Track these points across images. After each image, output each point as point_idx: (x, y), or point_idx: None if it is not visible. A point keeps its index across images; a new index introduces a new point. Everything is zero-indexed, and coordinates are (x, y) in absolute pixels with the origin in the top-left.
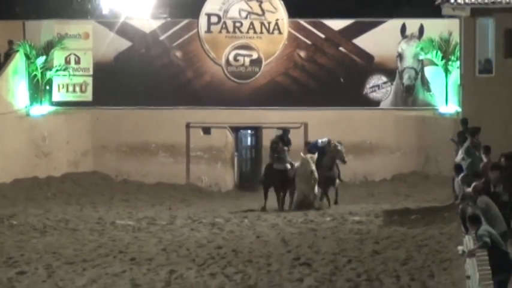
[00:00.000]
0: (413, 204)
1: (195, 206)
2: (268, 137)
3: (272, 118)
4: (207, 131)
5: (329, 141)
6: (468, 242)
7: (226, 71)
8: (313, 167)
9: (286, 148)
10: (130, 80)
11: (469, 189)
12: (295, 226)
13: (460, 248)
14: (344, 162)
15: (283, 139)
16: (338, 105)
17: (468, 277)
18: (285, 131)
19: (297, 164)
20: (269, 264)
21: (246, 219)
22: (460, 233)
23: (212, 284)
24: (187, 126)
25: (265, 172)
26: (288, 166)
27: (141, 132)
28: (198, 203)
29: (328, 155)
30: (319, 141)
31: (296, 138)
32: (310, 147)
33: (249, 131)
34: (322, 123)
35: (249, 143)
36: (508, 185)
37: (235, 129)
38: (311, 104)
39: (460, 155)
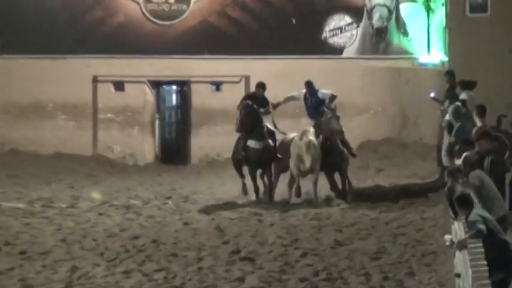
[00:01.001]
0: (386, 180)
1: (104, 183)
2: (199, 94)
3: (204, 70)
4: (119, 86)
5: (332, 97)
6: (458, 230)
7: (144, 10)
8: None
9: (263, 111)
10: (20, 21)
11: (459, 162)
12: (235, 210)
13: (447, 237)
14: (339, 133)
15: (257, 98)
16: (289, 53)
17: (458, 275)
18: (258, 85)
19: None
20: (200, 259)
21: (169, 201)
22: (447, 219)
23: (126, 284)
24: (94, 80)
25: (235, 151)
26: (270, 143)
27: (35, 89)
28: (109, 180)
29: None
30: (323, 91)
31: (233, 96)
32: (311, 93)
33: (174, 87)
34: (268, 77)
35: (174, 102)
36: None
37: (157, 85)
38: (254, 52)
39: (447, 117)
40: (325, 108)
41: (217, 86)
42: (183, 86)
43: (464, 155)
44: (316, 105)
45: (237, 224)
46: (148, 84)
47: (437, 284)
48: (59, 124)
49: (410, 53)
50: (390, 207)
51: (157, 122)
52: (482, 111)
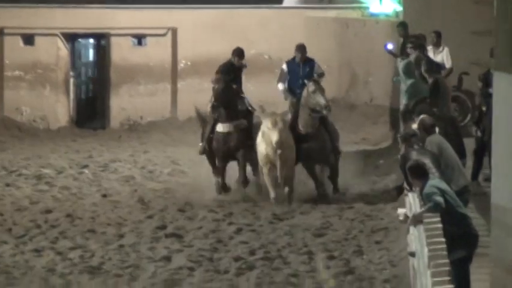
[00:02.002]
0: None
1: (11, 150)
2: (119, 49)
3: (124, 21)
4: (28, 40)
5: (322, 74)
6: (412, 203)
7: None
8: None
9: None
10: None
11: (414, 126)
12: (159, 180)
13: (400, 211)
14: (325, 108)
15: (235, 69)
16: (222, 1)
17: (412, 254)
18: (237, 53)
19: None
20: (121, 236)
21: (86, 170)
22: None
23: (37, 264)
24: (1, 33)
25: (207, 137)
26: (245, 123)
27: None
28: (17, 146)
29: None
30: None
31: (158, 51)
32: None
33: (91, 41)
34: (198, 29)
35: (91, 58)
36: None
37: (71, 38)
38: (182, 1)
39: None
40: (306, 81)
41: (140, 39)
42: (101, 40)
43: (420, 117)
44: (310, 76)
45: (163, 197)
46: (62, 38)
47: (388, 264)
48: None
49: (360, 2)
50: None
51: (71, 81)
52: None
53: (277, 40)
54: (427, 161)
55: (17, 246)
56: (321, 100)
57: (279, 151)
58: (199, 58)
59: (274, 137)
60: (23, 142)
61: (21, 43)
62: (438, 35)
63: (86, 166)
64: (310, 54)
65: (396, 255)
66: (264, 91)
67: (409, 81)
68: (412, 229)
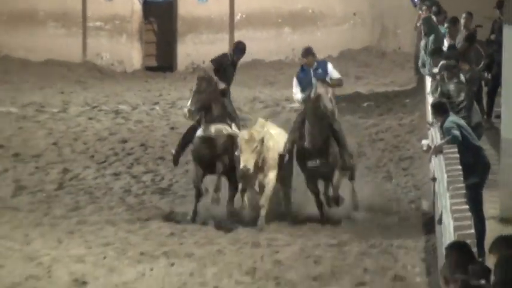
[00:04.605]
0: (365, 88)
1: (93, 89)
2: (185, 4)
3: None
4: None
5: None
6: (434, 135)
7: None
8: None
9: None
10: None
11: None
12: None
13: (424, 143)
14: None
15: (222, 69)
16: None
17: (434, 179)
18: (239, 49)
19: None
20: (186, 163)
21: (157, 107)
22: (424, 125)
23: (116, 185)
24: None
25: (183, 142)
26: (229, 129)
27: None
28: (98, 86)
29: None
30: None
31: (219, 5)
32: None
33: None
34: None
35: (160, 11)
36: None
37: None
38: None
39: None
40: (314, 80)
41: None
42: None
43: (440, 63)
44: (324, 77)
45: None
46: None
47: (413, 188)
48: (50, 32)
49: None
50: (369, 114)
51: (144, 31)
52: (454, 22)
53: None
54: (463, 94)
55: (98, 171)
56: (328, 104)
57: (251, 176)
58: (253, 11)
59: (242, 160)
60: (103, 82)
61: None
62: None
63: (156, 103)
64: (345, 8)
65: (420, 180)
66: (308, 37)
67: (431, 36)
68: (433, 158)
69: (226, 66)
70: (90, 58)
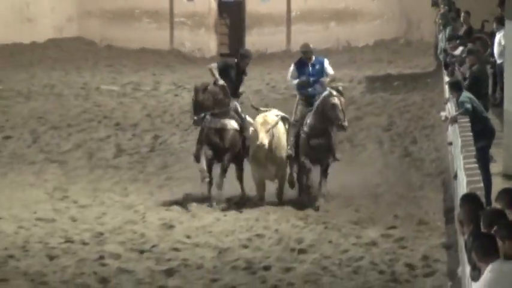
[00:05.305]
0: (395, 70)
1: (179, 72)
2: (251, 3)
3: None
4: None
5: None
6: (450, 108)
7: None
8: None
9: (223, 88)
10: None
11: (457, 52)
12: (279, 92)
13: (442, 114)
14: (341, 127)
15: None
16: None
17: (450, 143)
18: (241, 55)
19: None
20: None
21: None
22: (442, 100)
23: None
24: None
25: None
26: (232, 123)
27: None
28: (182, 69)
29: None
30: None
31: (279, 5)
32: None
33: None
34: None
35: (232, 7)
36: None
37: None
38: None
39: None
40: (321, 80)
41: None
42: None
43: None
44: (320, 73)
45: (281, 104)
46: None
47: (434, 150)
48: (144, 26)
49: None
50: (398, 91)
51: (219, 25)
52: (466, 15)
53: None
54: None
55: (182, 137)
56: (340, 116)
57: (264, 152)
58: (306, 9)
59: (259, 137)
60: (186, 66)
61: (184, 0)
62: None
63: None
64: (379, 7)
65: (439, 144)
66: (349, 30)
67: (449, 27)
68: (450, 126)
69: (229, 69)
70: (176, 47)
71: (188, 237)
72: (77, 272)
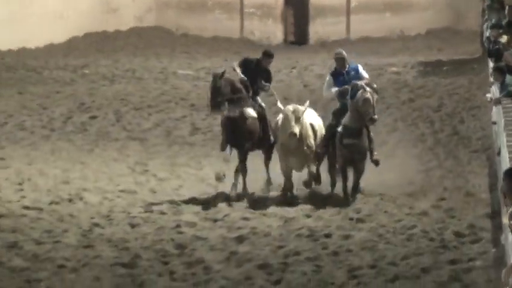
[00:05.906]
0: (445, 56)
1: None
2: None
3: None
4: None
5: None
6: (495, 91)
7: None
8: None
9: (266, 86)
10: None
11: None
12: None
13: (487, 95)
14: (371, 120)
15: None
16: None
17: (494, 123)
18: (263, 54)
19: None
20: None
21: (294, 70)
22: (487, 83)
23: None
24: None
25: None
26: (250, 111)
27: None
28: (251, 55)
29: (355, 102)
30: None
31: None
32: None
33: None
34: None
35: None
36: None
37: None
38: None
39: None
40: (357, 82)
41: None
42: None
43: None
44: (357, 78)
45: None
46: None
47: (480, 128)
48: (216, 16)
49: None
50: (448, 75)
51: (285, 15)
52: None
53: None
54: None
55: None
56: (370, 110)
57: (295, 141)
58: (365, 0)
59: (292, 127)
60: (255, 53)
61: None
62: None
63: (294, 67)
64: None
65: (485, 123)
66: (402, 19)
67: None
68: (494, 107)
69: (249, 66)
70: (246, 35)
71: (256, 207)
72: (156, 239)
